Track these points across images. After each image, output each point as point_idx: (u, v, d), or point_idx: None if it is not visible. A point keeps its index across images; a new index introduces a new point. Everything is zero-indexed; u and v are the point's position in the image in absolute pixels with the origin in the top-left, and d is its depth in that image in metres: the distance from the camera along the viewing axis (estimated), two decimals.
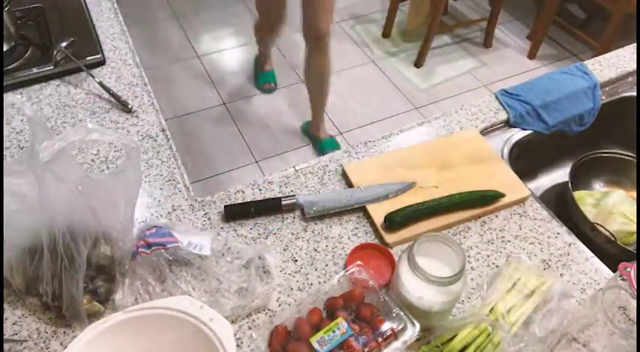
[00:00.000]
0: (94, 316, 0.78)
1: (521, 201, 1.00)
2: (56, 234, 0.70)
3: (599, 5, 2.69)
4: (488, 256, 0.91)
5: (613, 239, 0.97)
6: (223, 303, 0.80)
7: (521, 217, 0.98)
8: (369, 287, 0.77)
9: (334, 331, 0.71)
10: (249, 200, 0.97)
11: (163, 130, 1.10)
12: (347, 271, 0.79)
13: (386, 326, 0.72)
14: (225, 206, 0.93)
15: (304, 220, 0.94)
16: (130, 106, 1.13)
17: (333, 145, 2.37)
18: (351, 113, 2.67)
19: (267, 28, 2.37)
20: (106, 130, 0.69)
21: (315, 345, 0.69)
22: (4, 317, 0.79)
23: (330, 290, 0.78)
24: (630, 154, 1.20)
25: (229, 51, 3.02)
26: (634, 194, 1.18)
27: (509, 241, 0.93)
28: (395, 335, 0.72)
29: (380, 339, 0.71)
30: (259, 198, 0.97)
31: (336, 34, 3.16)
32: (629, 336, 0.65)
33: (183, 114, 2.59)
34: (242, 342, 0.78)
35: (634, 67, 1.33)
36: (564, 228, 0.97)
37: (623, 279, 0.66)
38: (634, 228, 1.07)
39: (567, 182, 1.07)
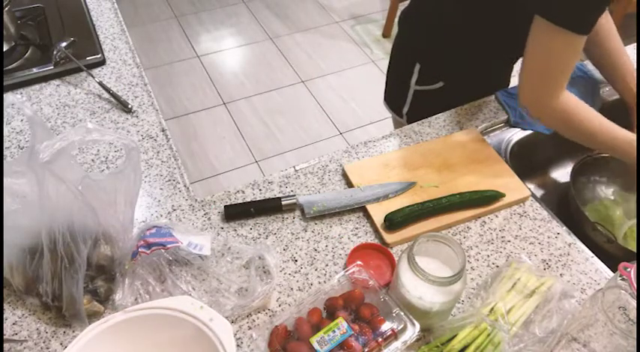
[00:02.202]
0: (94, 316, 0.78)
1: (521, 201, 1.00)
2: (56, 234, 0.70)
3: None
4: (488, 256, 0.91)
5: (613, 239, 0.97)
6: (223, 303, 0.80)
7: (521, 217, 0.98)
8: (369, 287, 0.77)
9: (334, 331, 0.71)
10: (249, 200, 0.97)
11: (163, 130, 1.10)
12: (347, 271, 0.79)
13: (386, 326, 0.72)
14: (225, 206, 0.93)
15: (304, 220, 0.94)
16: (130, 106, 1.13)
17: None
18: (351, 113, 2.67)
19: None
20: (106, 130, 0.69)
21: (315, 345, 0.69)
22: (4, 317, 0.79)
23: (330, 290, 0.78)
24: None
25: (229, 51, 3.03)
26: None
27: (509, 241, 0.93)
28: (395, 335, 0.72)
29: (380, 339, 0.71)
30: (259, 198, 0.97)
31: (336, 34, 3.16)
32: (629, 336, 0.65)
33: (183, 114, 2.60)
34: (242, 342, 0.78)
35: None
36: (564, 228, 0.97)
37: (623, 279, 0.66)
38: None
39: (568, 182, 1.07)
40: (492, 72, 1.27)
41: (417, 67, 1.21)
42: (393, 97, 1.37)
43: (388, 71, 1.38)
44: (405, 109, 1.31)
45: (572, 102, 0.96)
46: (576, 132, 0.98)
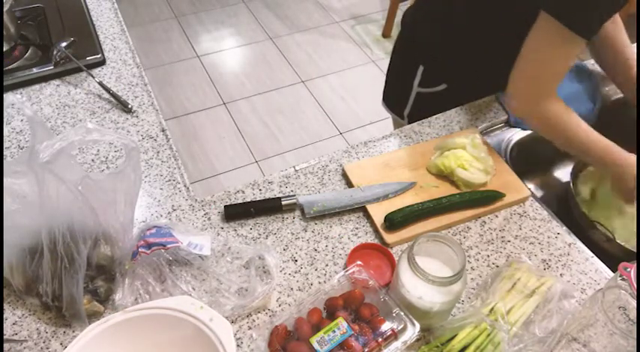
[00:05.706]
0: (94, 316, 0.78)
1: (521, 201, 1.00)
2: (56, 234, 0.70)
3: None
4: (488, 256, 0.91)
5: (612, 238, 0.97)
6: (223, 303, 0.80)
7: (521, 217, 0.98)
8: (369, 287, 0.77)
9: (334, 331, 0.71)
10: (249, 200, 0.97)
11: (163, 130, 1.10)
12: (347, 271, 0.79)
13: (386, 326, 0.72)
14: (225, 206, 0.93)
15: (304, 220, 0.94)
16: (130, 106, 1.13)
17: None
18: (351, 113, 2.67)
19: None
20: (106, 130, 0.69)
21: (315, 345, 0.69)
22: (4, 317, 0.79)
23: (330, 290, 0.78)
24: None
25: (229, 51, 3.03)
26: None
27: (509, 241, 0.93)
28: (395, 335, 0.72)
29: (380, 339, 0.71)
30: (259, 198, 0.97)
31: (336, 34, 3.16)
32: (629, 336, 0.65)
33: (183, 114, 2.60)
34: (242, 342, 0.78)
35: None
36: (564, 228, 0.97)
37: (623, 279, 0.66)
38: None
39: (568, 182, 1.07)
40: (495, 74, 1.26)
41: (421, 69, 1.20)
42: (394, 98, 1.36)
43: (388, 72, 1.37)
44: (407, 111, 1.31)
45: (562, 108, 0.94)
46: (562, 138, 0.96)
